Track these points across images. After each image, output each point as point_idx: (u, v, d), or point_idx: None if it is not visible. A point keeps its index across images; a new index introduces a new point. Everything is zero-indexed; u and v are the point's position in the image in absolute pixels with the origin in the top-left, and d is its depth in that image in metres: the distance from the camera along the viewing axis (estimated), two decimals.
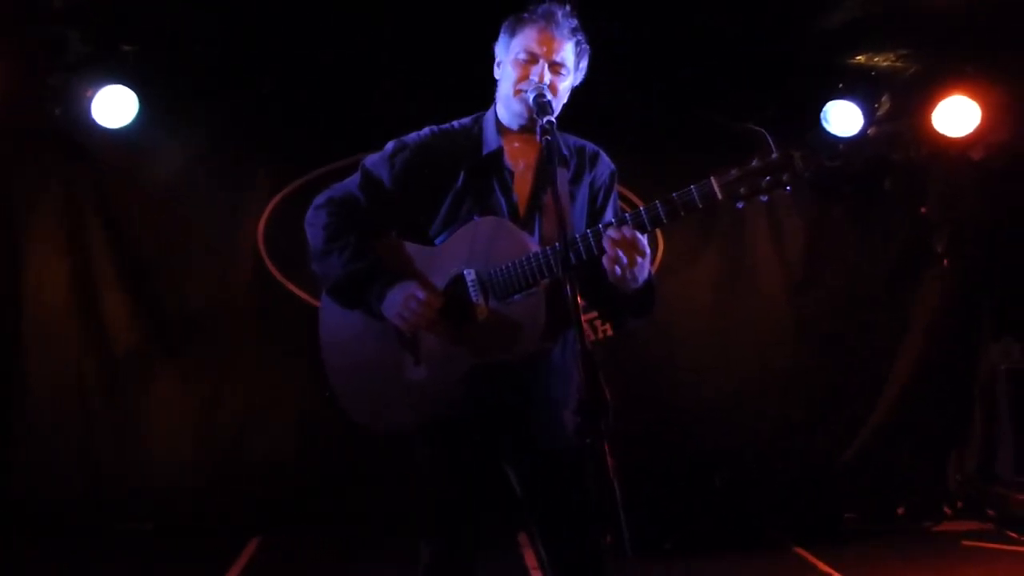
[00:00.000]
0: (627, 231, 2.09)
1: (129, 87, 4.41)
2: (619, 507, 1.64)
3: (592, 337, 5.02)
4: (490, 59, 2.46)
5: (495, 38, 2.45)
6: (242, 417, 4.94)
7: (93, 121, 4.42)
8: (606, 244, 2.10)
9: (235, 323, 4.94)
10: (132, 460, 4.80)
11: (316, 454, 4.86)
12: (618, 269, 2.11)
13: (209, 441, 4.91)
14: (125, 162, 4.79)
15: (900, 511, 4.96)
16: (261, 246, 4.95)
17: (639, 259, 2.12)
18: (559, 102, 2.36)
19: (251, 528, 4.69)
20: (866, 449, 5.14)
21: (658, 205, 2.12)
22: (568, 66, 2.35)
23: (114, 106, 4.41)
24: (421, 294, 2.21)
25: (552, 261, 2.14)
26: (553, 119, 2.15)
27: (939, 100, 4.68)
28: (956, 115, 4.66)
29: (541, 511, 2.35)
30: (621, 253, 2.09)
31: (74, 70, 4.43)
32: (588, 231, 2.17)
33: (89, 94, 4.37)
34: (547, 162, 2.12)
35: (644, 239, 2.13)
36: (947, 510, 4.97)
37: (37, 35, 4.30)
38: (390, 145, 2.41)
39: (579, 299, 2.24)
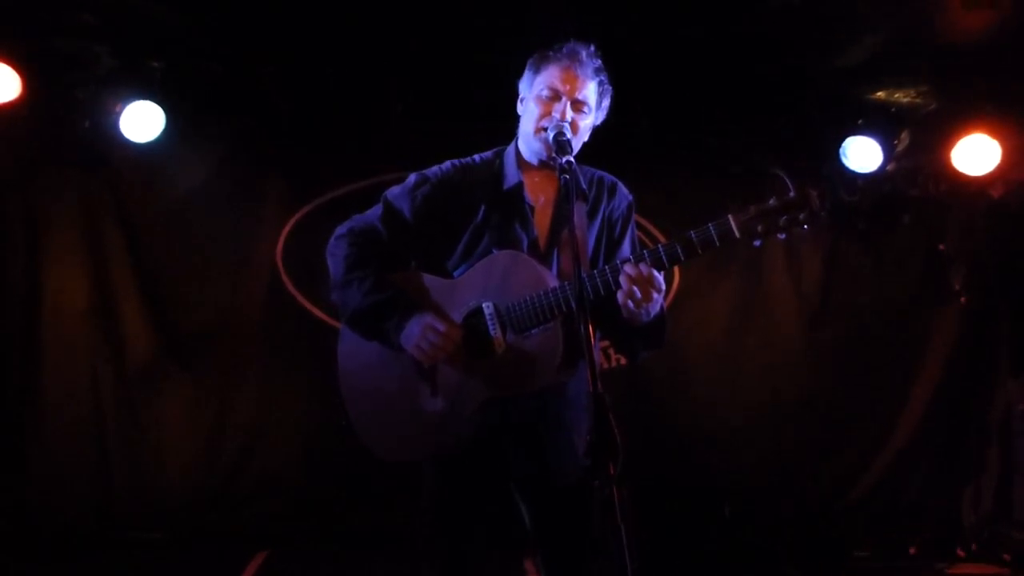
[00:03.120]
0: (644, 268, 2.12)
1: (156, 102, 4.47)
2: (626, 554, 1.65)
3: (606, 365, 5.04)
4: (503, 81, 2.49)
5: (509, 60, 2.49)
6: (253, 430, 4.97)
7: (120, 134, 4.47)
8: (622, 280, 2.13)
9: (249, 337, 4.98)
10: (143, 470, 4.83)
11: (325, 469, 4.88)
12: (631, 304, 2.13)
13: (219, 453, 4.94)
14: (148, 175, 4.84)
15: (912, 551, 4.89)
16: (279, 262, 4.98)
17: (654, 295, 2.15)
18: (579, 140, 2.39)
19: (259, 541, 4.69)
20: (878, 485, 5.11)
21: (676, 243, 2.15)
22: (590, 104, 2.38)
23: (142, 120, 4.46)
24: (440, 326, 2.24)
25: (569, 296, 2.17)
26: (572, 159, 2.17)
27: (959, 137, 4.66)
28: (976, 153, 4.64)
29: (548, 543, 2.37)
30: (636, 289, 2.11)
31: (103, 84, 4.49)
32: (606, 267, 2.19)
33: (118, 108, 4.43)
34: (565, 200, 2.15)
35: (660, 276, 2.16)
36: (961, 552, 4.90)
37: (67, 49, 4.36)
38: (412, 178, 2.45)
39: (592, 332, 2.27)
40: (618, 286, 2.15)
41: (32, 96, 4.26)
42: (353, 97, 4.75)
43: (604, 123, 2.50)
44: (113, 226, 4.87)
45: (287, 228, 4.99)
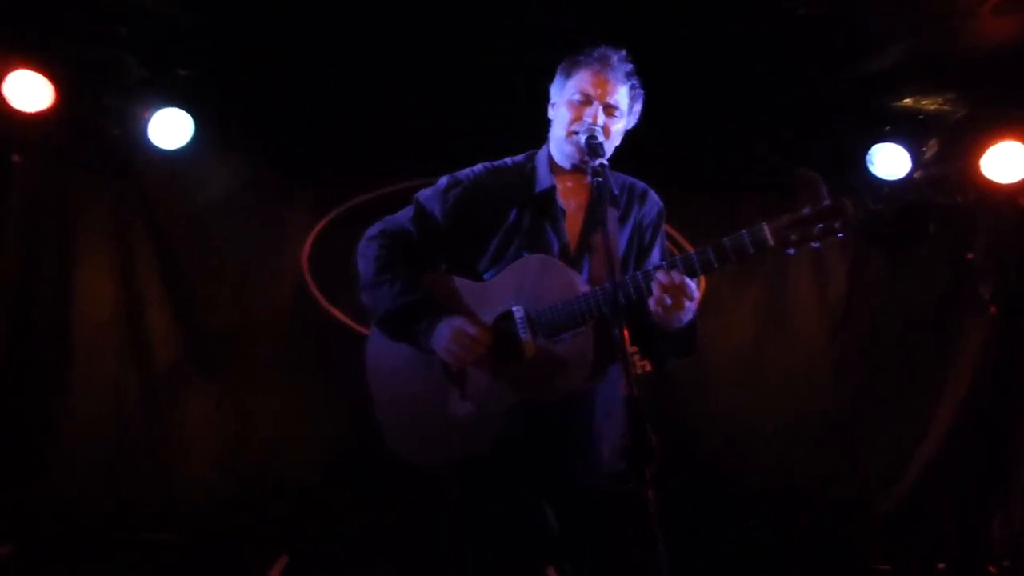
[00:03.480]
0: (676, 276, 2.11)
1: (186, 110, 4.52)
2: (661, 557, 1.63)
3: (632, 370, 4.99)
4: (534, 86, 2.50)
5: (539, 67, 2.50)
6: (275, 435, 4.97)
7: (149, 142, 4.52)
8: (654, 286, 2.12)
9: (273, 342, 5.00)
10: (165, 473, 4.84)
11: (347, 474, 4.88)
12: (662, 311, 2.12)
13: (241, 457, 4.94)
14: (176, 182, 4.88)
15: (941, 566, 4.81)
16: (306, 268, 5.00)
17: (686, 303, 2.13)
18: (611, 144, 2.39)
19: (281, 545, 4.69)
20: (904, 498, 5.02)
21: (709, 250, 2.14)
22: (622, 109, 2.38)
23: (170, 128, 4.51)
24: (472, 329, 2.24)
25: (601, 302, 2.16)
26: (605, 161, 2.17)
27: (988, 145, 4.60)
28: (1005, 161, 4.59)
29: (576, 550, 2.36)
30: (667, 296, 2.10)
31: (133, 92, 4.55)
32: (638, 273, 2.18)
33: (146, 116, 4.48)
34: (597, 204, 2.15)
35: (693, 284, 2.14)
36: (991, 568, 4.80)
37: (99, 58, 4.42)
38: (443, 180, 2.46)
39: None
40: (649, 292, 2.14)
41: (64, 105, 4.32)
42: (381, 103, 4.77)
43: (632, 132, 2.49)
44: (141, 232, 4.92)
45: (314, 233, 5.01)
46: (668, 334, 2.23)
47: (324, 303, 4.96)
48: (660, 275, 2.12)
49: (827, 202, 2.05)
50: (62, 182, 4.81)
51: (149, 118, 4.49)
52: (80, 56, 4.38)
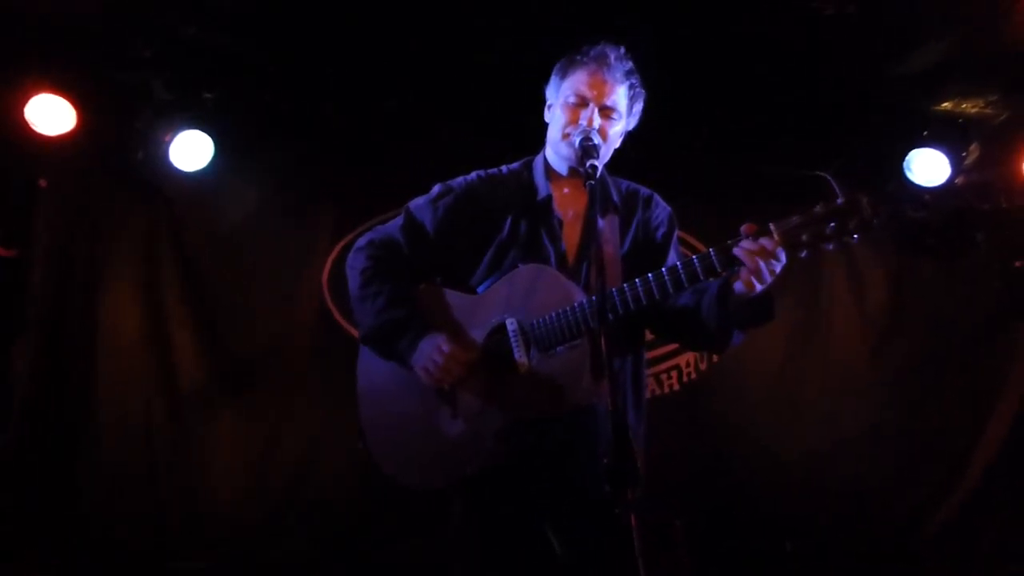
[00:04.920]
0: (767, 241, 1.97)
1: (206, 132, 4.53)
2: None
3: (658, 391, 4.88)
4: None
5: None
6: (303, 459, 4.92)
7: (171, 164, 4.54)
8: (741, 254, 1.98)
9: (298, 364, 4.96)
10: (193, 499, 4.81)
11: (376, 499, 4.80)
12: (755, 279, 2.00)
13: (269, 482, 4.90)
14: (199, 204, 4.89)
15: None
16: (325, 289, 4.98)
17: (775, 265, 2.01)
18: (610, 147, 2.28)
19: (309, 571, 4.63)
20: (951, 522, 4.78)
21: (712, 254, 2.02)
22: (620, 110, 2.27)
23: (191, 150, 4.52)
24: (447, 347, 2.14)
25: (597, 312, 2.04)
26: (597, 163, 2.07)
27: None
28: None
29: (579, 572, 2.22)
30: (760, 260, 1.97)
31: (156, 115, 4.59)
32: (710, 251, 2.05)
33: (167, 138, 4.50)
34: (589, 207, 2.04)
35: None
36: None
37: (122, 81, 4.47)
38: (435, 188, 2.38)
39: (644, 340, 2.14)
40: (726, 266, 2.01)
41: (87, 128, 4.36)
42: (403, 122, 4.74)
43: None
44: (166, 255, 4.93)
45: (333, 254, 4.98)
46: (748, 302, 2.09)
47: (344, 324, 4.91)
48: (747, 243, 1.98)
49: (840, 200, 1.91)
50: (87, 206, 4.84)
51: (171, 140, 4.51)
52: (104, 79, 4.43)
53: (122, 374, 4.85)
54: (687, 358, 4.97)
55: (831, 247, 1.95)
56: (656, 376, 4.84)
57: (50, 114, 4.24)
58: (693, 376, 4.99)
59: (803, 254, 1.98)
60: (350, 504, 4.84)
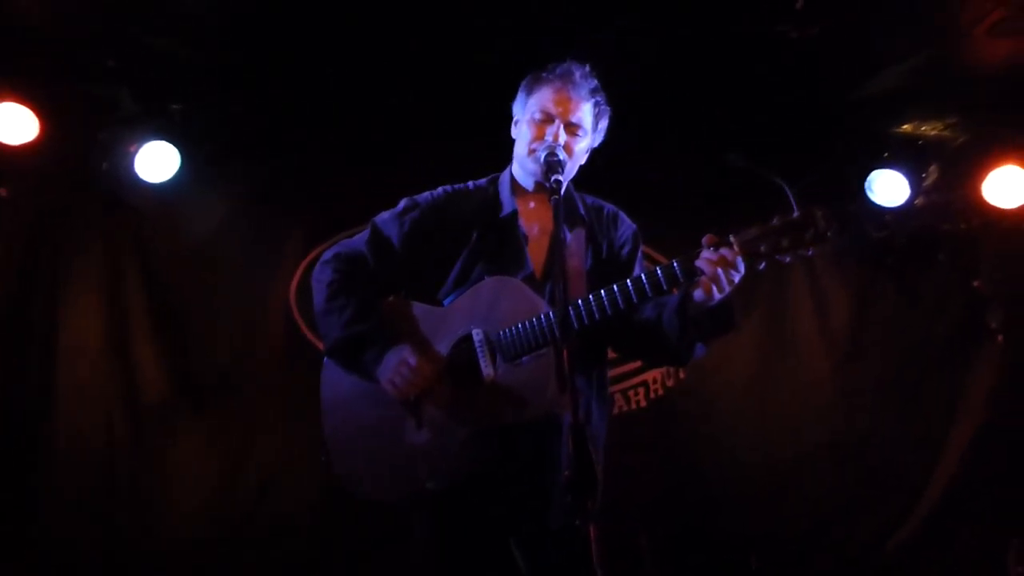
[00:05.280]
0: (727, 252, 1.99)
1: (173, 143, 4.50)
2: None
3: (625, 407, 4.89)
4: None
5: None
6: (267, 474, 4.86)
7: (136, 175, 4.49)
8: (704, 265, 2.01)
9: (264, 379, 4.90)
10: (155, 514, 4.73)
11: (341, 515, 4.75)
12: (715, 289, 2.03)
13: (233, 497, 4.83)
14: (164, 215, 4.83)
15: None
16: (292, 302, 4.94)
17: (734, 275, 2.03)
18: (575, 163, 2.31)
19: None
20: (915, 536, 4.81)
21: (675, 264, 2.05)
22: (585, 127, 2.30)
23: (157, 161, 4.48)
24: (412, 360, 2.14)
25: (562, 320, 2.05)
26: (561, 178, 2.10)
27: (989, 170, 4.51)
28: (1008, 185, 4.49)
29: None
30: (720, 269, 2.00)
31: (123, 127, 4.55)
32: (672, 262, 2.08)
33: (133, 149, 4.46)
34: (554, 222, 2.06)
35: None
36: None
37: (90, 92, 4.43)
38: (402, 203, 2.39)
39: (607, 355, 2.16)
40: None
41: (50, 137, 4.30)
42: (372, 138, 4.75)
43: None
44: (130, 267, 4.86)
45: (301, 267, 4.95)
46: (709, 311, 2.11)
47: (311, 337, 4.87)
48: (708, 253, 2.01)
49: (796, 213, 1.95)
50: (49, 216, 4.77)
51: (136, 151, 4.47)
52: (69, 89, 4.38)
53: (82, 388, 4.77)
54: (654, 375, 4.99)
55: (788, 259, 2.00)
56: (623, 392, 4.86)
57: (13, 123, 4.19)
58: (660, 392, 5.01)
59: (762, 266, 2.02)
60: (314, 519, 4.78)
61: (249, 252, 4.96)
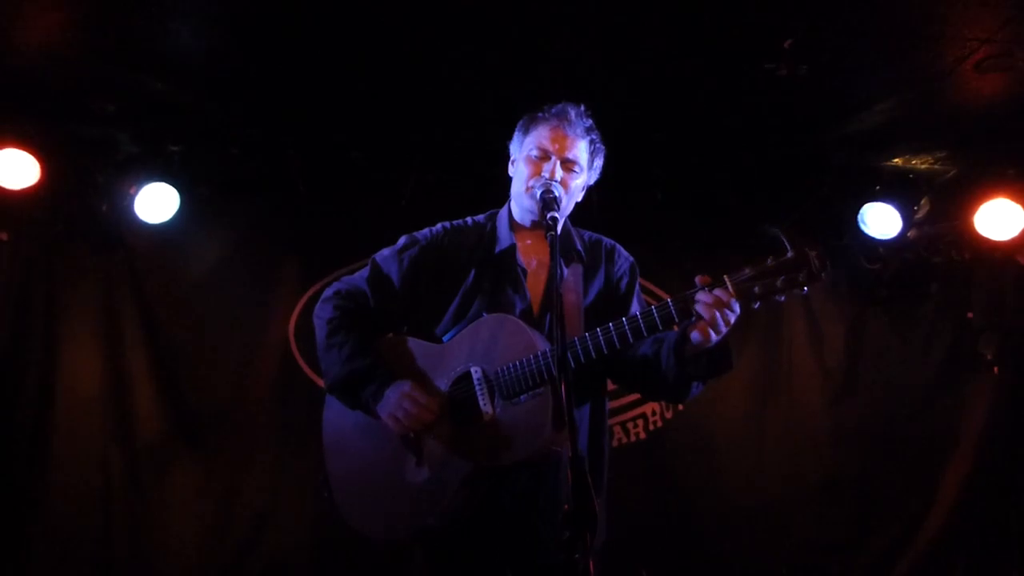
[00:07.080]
0: (721, 293, 2.00)
1: (172, 184, 4.54)
2: None
3: (624, 440, 4.88)
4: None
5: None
6: (262, 511, 4.84)
7: (135, 216, 4.53)
8: (700, 308, 2.02)
9: (260, 416, 4.90)
10: (149, 552, 4.70)
11: (335, 552, 4.71)
12: (712, 332, 2.03)
13: (227, 535, 4.80)
14: (163, 255, 4.87)
15: None
16: (292, 339, 4.95)
17: (730, 316, 2.04)
18: (571, 199, 2.34)
19: None
20: (912, 572, 4.80)
21: (670, 303, 2.07)
22: (581, 164, 2.34)
23: (156, 202, 4.52)
24: (418, 395, 2.15)
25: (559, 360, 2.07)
26: (558, 215, 2.12)
27: (981, 202, 4.57)
28: (999, 218, 4.53)
29: None
30: (717, 312, 2.01)
31: (121, 168, 4.59)
32: (654, 307, 2.09)
33: (133, 191, 4.50)
34: (551, 257, 2.09)
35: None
36: None
37: (87, 135, 4.47)
38: (401, 240, 2.41)
39: (607, 387, 2.17)
40: (683, 316, 2.05)
41: (51, 181, 4.35)
42: (368, 177, 4.80)
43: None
44: (129, 306, 4.88)
45: (299, 306, 4.97)
46: (706, 352, 2.12)
47: (311, 375, 4.87)
48: (703, 295, 2.02)
49: (790, 254, 1.98)
50: (49, 258, 4.80)
51: (136, 193, 4.50)
52: (69, 133, 4.43)
53: (80, 427, 4.77)
54: (653, 407, 5.00)
55: (782, 299, 2.02)
56: (623, 424, 4.86)
57: (14, 168, 4.23)
58: (659, 424, 5.01)
59: (756, 305, 2.04)
60: (309, 555, 4.76)
61: (248, 289, 4.98)
